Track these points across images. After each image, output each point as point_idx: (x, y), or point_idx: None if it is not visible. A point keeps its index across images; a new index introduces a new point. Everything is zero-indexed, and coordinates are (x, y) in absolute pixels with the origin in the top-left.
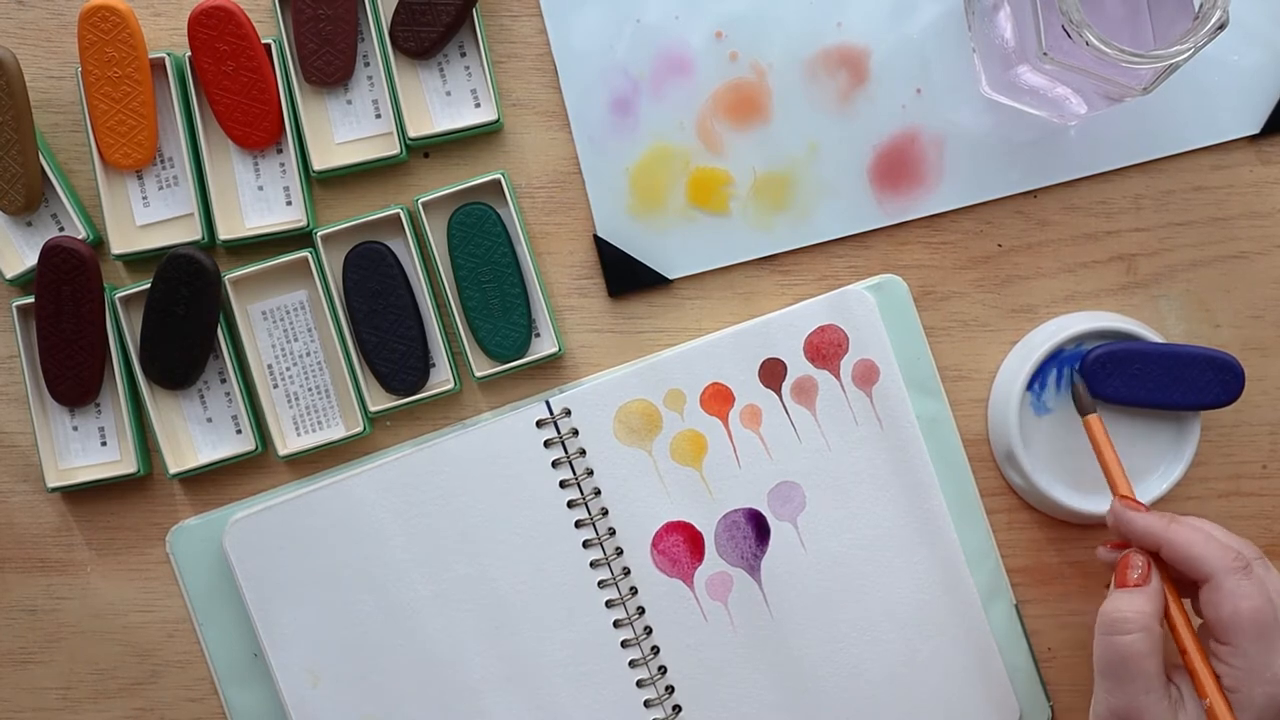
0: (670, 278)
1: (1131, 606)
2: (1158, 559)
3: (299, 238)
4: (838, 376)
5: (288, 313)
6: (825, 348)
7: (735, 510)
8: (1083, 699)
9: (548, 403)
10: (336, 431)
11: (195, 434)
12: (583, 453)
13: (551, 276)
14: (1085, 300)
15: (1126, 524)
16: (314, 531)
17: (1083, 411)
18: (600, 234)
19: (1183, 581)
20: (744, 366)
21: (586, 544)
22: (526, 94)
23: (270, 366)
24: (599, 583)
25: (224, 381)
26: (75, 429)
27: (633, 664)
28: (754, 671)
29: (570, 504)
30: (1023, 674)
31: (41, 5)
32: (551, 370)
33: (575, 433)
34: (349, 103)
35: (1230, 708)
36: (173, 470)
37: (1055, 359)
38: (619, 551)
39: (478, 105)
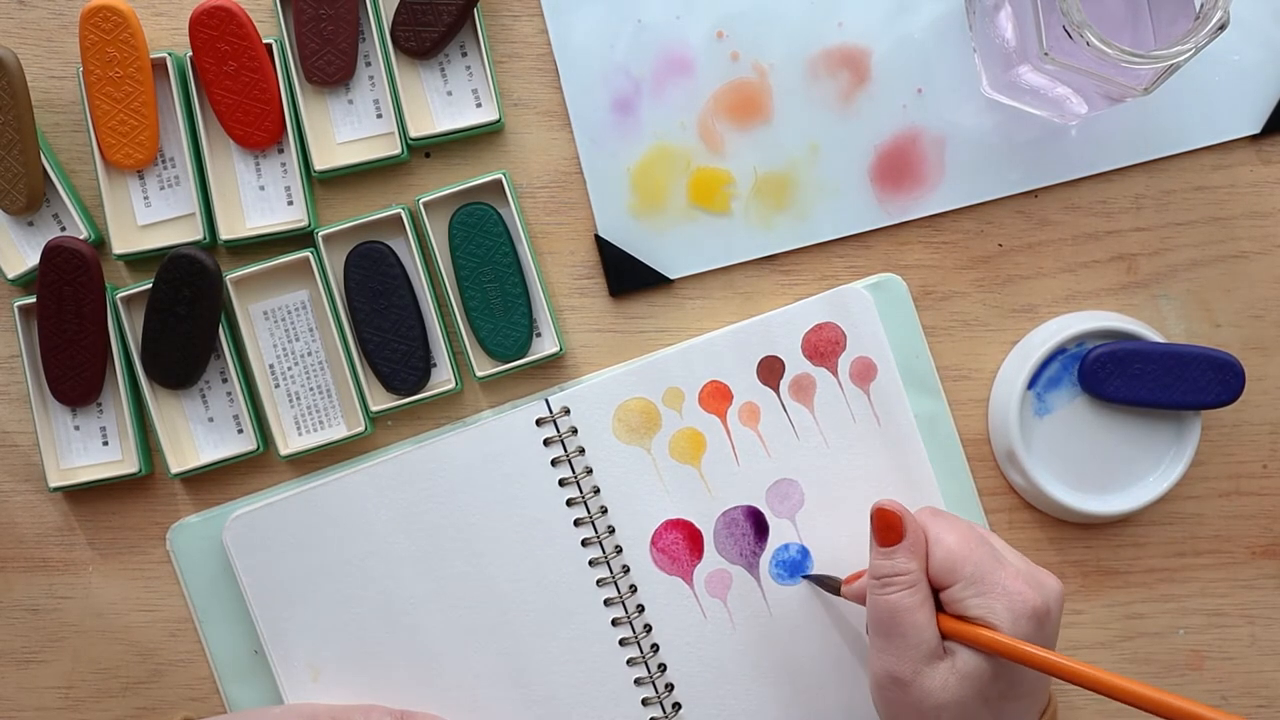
0: (671, 277)
1: (898, 566)
2: None
3: (300, 237)
4: (835, 374)
5: (289, 312)
6: (823, 345)
7: (734, 508)
8: (1082, 696)
9: (547, 401)
10: (338, 431)
11: (197, 433)
12: (582, 451)
13: (553, 276)
14: (1086, 300)
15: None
16: (314, 528)
17: (838, 591)
18: (601, 234)
19: None
20: (742, 364)
21: (585, 542)
22: (527, 94)
23: (272, 366)
24: (598, 581)
25: (225, 381)
26: (77, 429)
27: (631, 661)
28: (753, 668)
29: (569, 502)
30: None
31: (43, 5)
32: (553, 370)
33: (574, 431)
34: (350, 102)
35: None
36: (174, 470)
37: (1056, 358)
38: (618, 549)
39: (479, 105)
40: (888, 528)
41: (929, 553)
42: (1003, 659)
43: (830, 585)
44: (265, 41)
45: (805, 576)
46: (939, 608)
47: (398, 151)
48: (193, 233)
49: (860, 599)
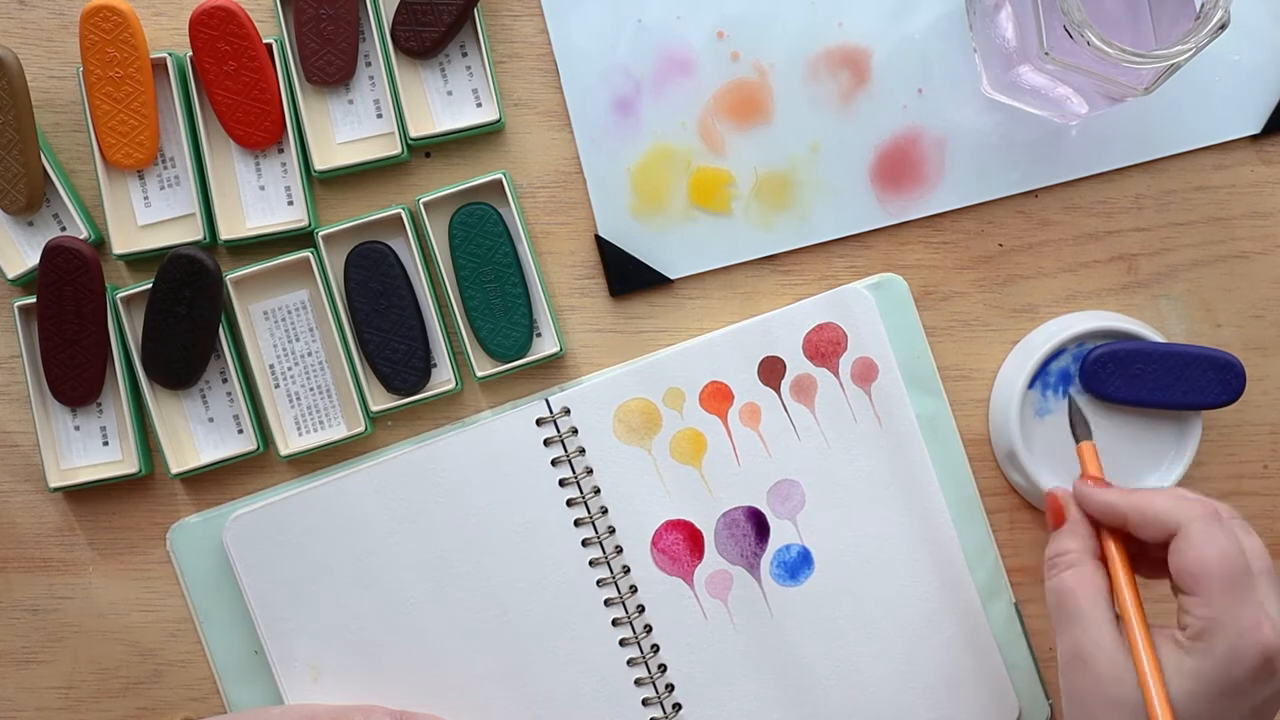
0: (671, 277)
1: (1058, 546)
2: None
3: (300, 237)
4: (836, 374)
5: (289, 312)
6: (824, 346)
7: (735, 508)
8: None
9: (547, 401)
10: (338, 431)
11: (197, 434)
12: (582, 451)
13: (553, 276)
14: (1086, 300)
15: (1086, 499)
16: (314, 528)
17: (1078, 438)
18: (601, 234)
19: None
20: (743, 365)
21: (585, 542)
22: (528, 94)
23: (272, 366)
24: (598, 581)
25: (225, 381)
26: (77, 429)
27: (631, 662)
28: (753, 669)
29: (569, 502)
30: (1022, 672)
31: (43, 5)
32: (553, 370)
33: (575, 431)
34: (350, 102)
35: (1161, 679)
36: (174, 470)
37: (1056, 359)
38: (618, 550)
39: (479, 105)
40: (1053, 511)
41: (1178, 549)
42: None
43: (1077, 431)
44: (265, 41)
45: (1073, 399)
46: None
47: (398, 151)
48: (193, 233)
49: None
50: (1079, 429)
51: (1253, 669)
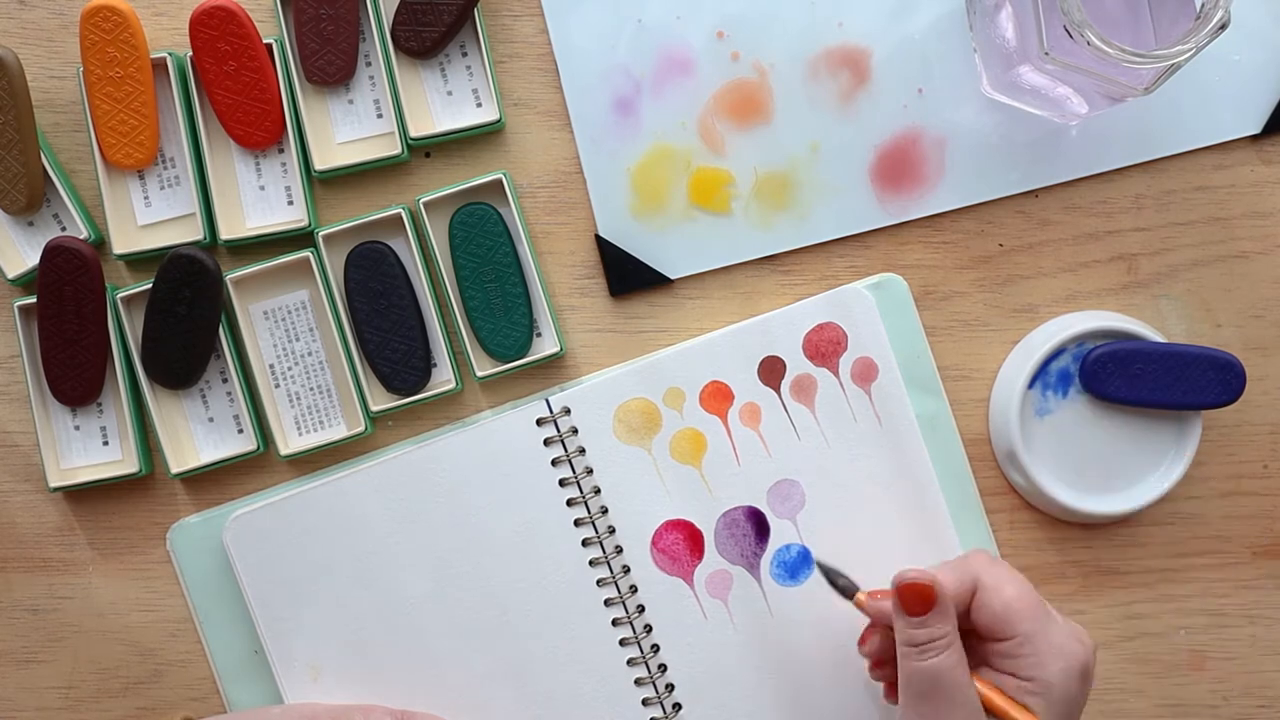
0: (671, 277)
1: (935, 631)
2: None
3: (300, 237)
4: (837, 374)
5: (289, 312)
6: (824, 345)
7: (735, 508)
8: None
9: (547, 401)
10: (338, 431)
11: (197, 433)
12: (582, 451)
13: (553, 276)
14: (1086, 300)
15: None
16: (314, 528)
17: (849, 593)
18: (602, 234)
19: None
20: (743, 365)
21: (586, 542)
22: (528, 94)
23: (272, 366)
24: (598, 581)
25: (225, 381)
26: (77, 428)
27: (631, 662)
28: (753, 669)
29: (569, 502)
30: None
31: (43, 5)
32: (553, 370)
33: (575, 431)
34: (350, 102)
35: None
36: (174, 470)
37: (1056, 359)
38: (618, 550)
39: (479, 105)
40: (919, 599)
41: (985, 602)
42: None
43: (843, 588)
44: (265, 41)
45: (819, 564)
46: (983, 663)
47: (398, 151)
48: (193, 233)
49: (878, 618)
50: (841, 583)
51: (1082, 680)
